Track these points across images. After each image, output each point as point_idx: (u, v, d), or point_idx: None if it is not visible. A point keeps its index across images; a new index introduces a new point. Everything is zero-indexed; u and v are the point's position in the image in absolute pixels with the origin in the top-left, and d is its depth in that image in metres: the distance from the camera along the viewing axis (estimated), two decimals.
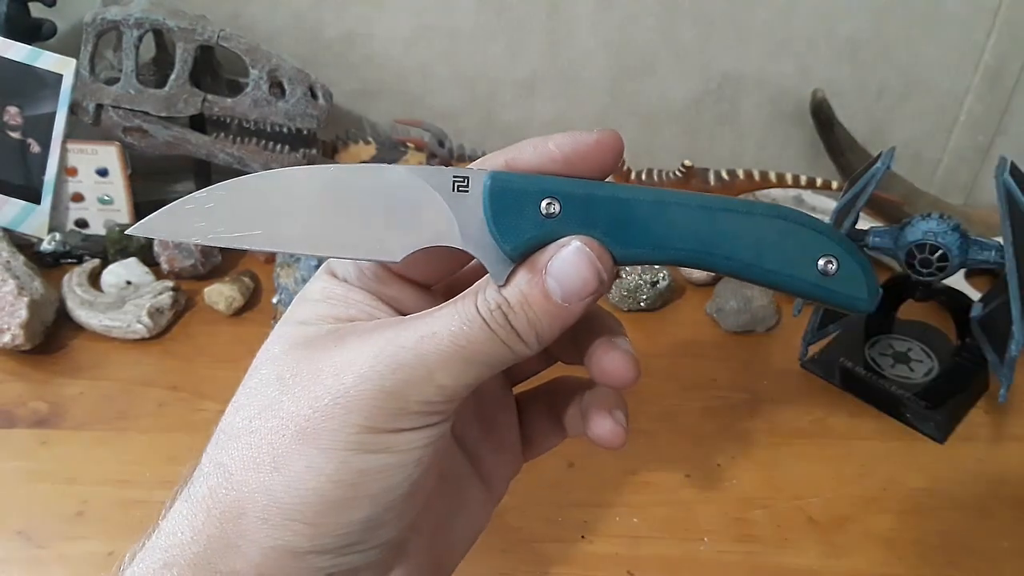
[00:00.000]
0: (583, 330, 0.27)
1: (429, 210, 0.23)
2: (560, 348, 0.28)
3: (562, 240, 0.23)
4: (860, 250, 0.24)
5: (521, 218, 0.23)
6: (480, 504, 0.30)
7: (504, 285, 0.23)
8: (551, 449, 0.32)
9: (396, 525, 0.24)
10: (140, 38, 0.64)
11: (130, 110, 0.65)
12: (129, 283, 0.61)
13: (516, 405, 0.32)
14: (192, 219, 0.23)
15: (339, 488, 0.22)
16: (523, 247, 0.23)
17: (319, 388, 0.22)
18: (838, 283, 0.23)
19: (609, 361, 0.26)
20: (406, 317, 0.24)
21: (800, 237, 0.23)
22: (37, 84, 0.65)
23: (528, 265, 0.23)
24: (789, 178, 0.69)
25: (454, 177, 0.23)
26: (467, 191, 0.23)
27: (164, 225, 0.23)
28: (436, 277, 0.27)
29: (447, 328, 0.22)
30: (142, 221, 0.23)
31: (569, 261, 0.23)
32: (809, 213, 0.71)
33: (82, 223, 0.69)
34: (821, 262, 0.23)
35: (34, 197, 0.66)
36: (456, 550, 0.29)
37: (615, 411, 0.28)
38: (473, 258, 0.23)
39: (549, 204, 0.23)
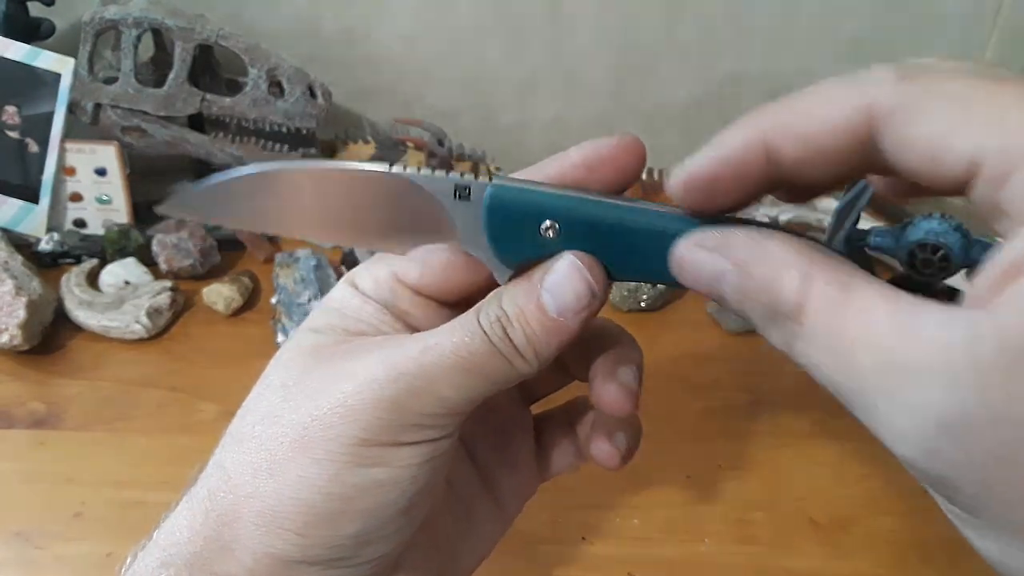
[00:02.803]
0: (596, 351, 0.27)
1: (432, 214, 0.23)
2: (576, 367, 0.28)
3: (558, 255, 0.23)
4: (867, 268, 0.23)
5: (520, 236, 0.23)
6: (490, 523, 0.30)
7: (502, 296, 0.23)
8: (572, 470, 0.31)
9: (389, 542, 0.24)
10: (139, 37, 0.64)
11: (129, 109, 0.65)
12: (127, 283, 0.61)
13: (535, 424, 0.31)
14: (208, 202, 0.25)
15: (330, 501, 0.22)
16: (520, 261, 0.23)
17: (320, 397, 0.22)
18: None
19: (605, 392, 0.26)
20: (413, 334, 0.24)
21: None
22: (35, 83, 0.65)
23: (526, 279, 0.23)
24: None
25: (456, 185, 0.23)
26: (468, 200, 0.23)
27: (180, 207, 0.26)
28: (451, 291, 0.26)
29: (449, 340, 0.22)
30: (167, 201, 0.25)
31: (562, 275, 0.23)
32: (810, 213, 0.71)
33: (80, 223, 0.68)
34: None
35: (32, 197, 0.66)
36: (462, 568, 0.29)
37: (616, 433, 0.28)
38: (487, 274, 0.24)
39: (549, 226, 0.23)
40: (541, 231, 0.23)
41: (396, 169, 0.23)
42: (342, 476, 0.22)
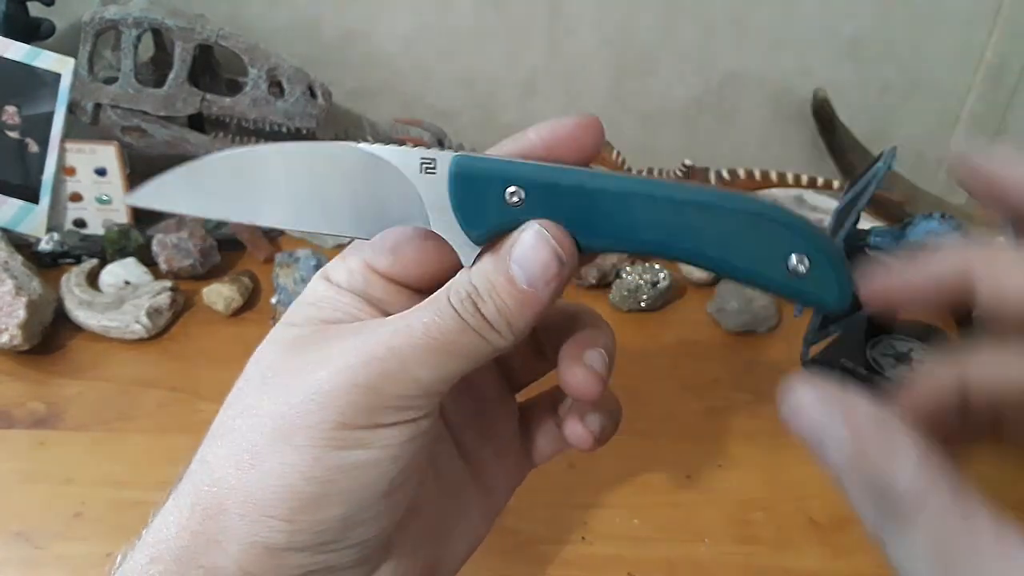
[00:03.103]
0: (566, 335, 0.27)
1: (398, 190, 0.23)
2: (554, 353, 0.28)
3: (524, 225, 0.23)
4: (834, 247, 0.23)
5: (485, 204, 0.23)
6: (479, 511, 0.30)
7: (471, 271, 0.23)
8: (558, 454, 0.31)
9: (374, 525, 0.24)
10: (139, 37, 0.64)
11: (129, 109, 0.65)
12: (127, 283, 0.61)
13: (521, 411, 0.31)
14: (178, 191, 0.24)
15: (312, 485, 0.22)
16: (488, 233, 0.23)
17: (295, 386, 0.23)
18: (808, 283, 0.23)
19: (571, 376, 0.26)
20: (386, 318, 0.24)
21: (770, 234, 0.23)
22: (35, 83, 0.65)
23: (493, 252, 0.23)
24: (790, 178, 0.69)
25: (422, 158, 0.23)
26: (434, 173, 0.23)
27: (150, 196, 0.25)
28: (422, 277, 0.27)
29: (420, 320, 0.23)
30: (136, 191, 0.24)
31: (529, 245, 0.23)
32: (810, 213, 0.71)
33: (80, 223, 0.68)
34: (792, 260, 0.23)
35: (32, 197, 0.66)
36: (453, 557, 0.29)
37: (589, 415, 0.28)
38: (457, 257, 0.24)
39: (513, 192, 0.23)
40: (506, 198, 0.23)
41: (363, 145, 0.24)
42: (323, 460, 0.22)
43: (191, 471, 0.24)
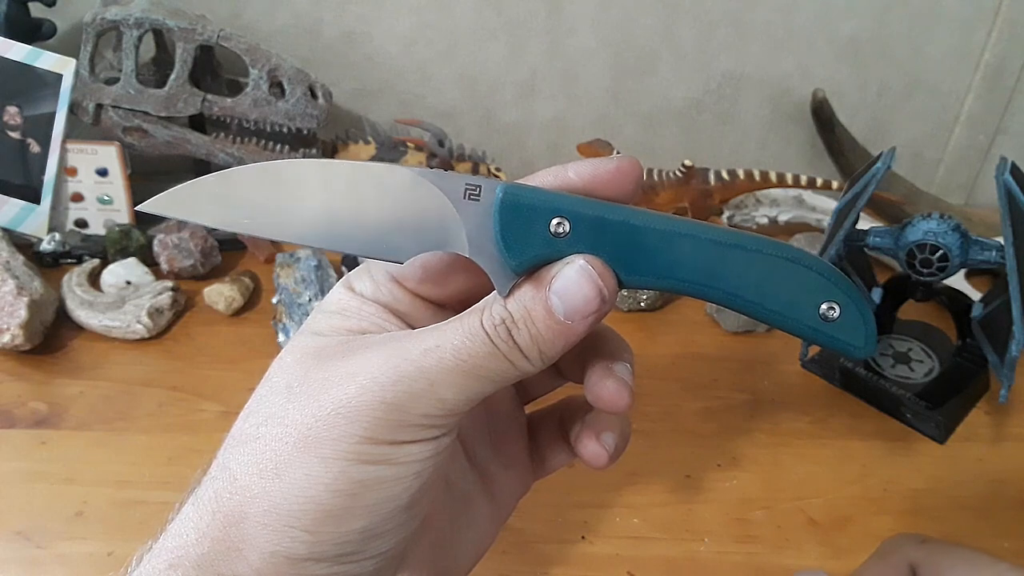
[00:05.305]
0: (589, 351, 0.27)
1: (437, 215, 0.23)
2: (568, 368, 0.28)
3: (567, 257, 0.23)
4: (865, 298, 0.24)
5: (529, 234, 0.23)
6: (487, 520, 0.30)
7: (507, 297, 0.23)
8: (562, 467, 0.32)
9: (394, 537, 0.24)
10: (140, 38, 0.64)
11: (130, 110, 0.65)
12: (129, 283, 0.61)
13: (528, 423, 0.32)
14: (202, 202, 0.24)
15: (337, 497, 0.22)
16: (529, 263, 0.23)
17: (323, 398, 0.23)
18: (837, 329, 0.24)
19: (602, 388, 0.26)
20: (414, 331, 0.24)
21: (806, 281, 0.24)
22: (37, 84, 0.65)
23: (533, 281, 0.23)
24: (789, 178, 0.69)
25: (466, 184, 0.23)
26: (478, 200, 0.23)
27: (173, 205, 0.24)
28: (450, 296, 0.27)
29: (450, 342, 0.22)
30: (153, 199, 0.24)
31: (572, 279, 0.23)
32: (810, 213, 0.71)
33: (82, 223, 0.69)
34: (823, 307, 0.24)
35: (34, 197, 0.66)
36: (461, 565, 0.29)
37: (604, 433, 0.28)
38: (487, 278, 0.23)
39: (559, 223, 0.23)
40: (552, 229, 0.23)
41: (409, 168, 0.23)
42: (348, 473, 0.22)
43: (212, 476, 0.24)
